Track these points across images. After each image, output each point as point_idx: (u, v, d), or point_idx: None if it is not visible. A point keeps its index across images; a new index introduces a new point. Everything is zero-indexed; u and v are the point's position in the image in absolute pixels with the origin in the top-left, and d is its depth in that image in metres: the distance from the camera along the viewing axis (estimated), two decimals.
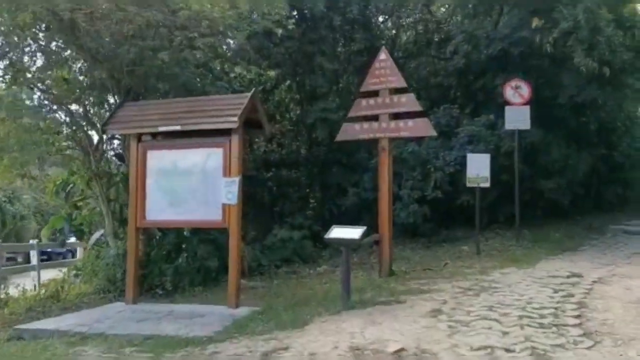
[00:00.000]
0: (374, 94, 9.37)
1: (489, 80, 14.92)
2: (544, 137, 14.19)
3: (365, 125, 9.36)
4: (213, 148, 7.72)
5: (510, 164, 13.06)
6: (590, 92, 13.65)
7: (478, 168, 10.71)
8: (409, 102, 9.06)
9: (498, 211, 14.15)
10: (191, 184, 7.79)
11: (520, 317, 5.78)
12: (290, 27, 10.85)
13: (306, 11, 13.07)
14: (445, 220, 13.88)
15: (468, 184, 11.00)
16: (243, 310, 7.20)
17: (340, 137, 9.65)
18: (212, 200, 7.65)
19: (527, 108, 11.72)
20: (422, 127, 8.96)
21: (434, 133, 9.02)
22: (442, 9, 18.53)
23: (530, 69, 14.12)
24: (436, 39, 16.96)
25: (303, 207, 14.22)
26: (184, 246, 9.90)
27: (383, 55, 9.38)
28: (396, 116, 9.25)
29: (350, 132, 9.55)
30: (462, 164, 13.11)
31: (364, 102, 9.43)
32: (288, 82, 15.97)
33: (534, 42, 13.33)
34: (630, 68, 15.05)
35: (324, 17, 13.26)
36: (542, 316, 5.78)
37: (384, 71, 9.25)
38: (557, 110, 14.72)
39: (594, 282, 7.60)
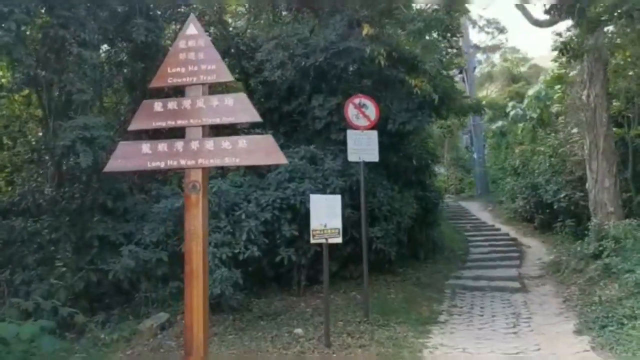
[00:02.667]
0: (176, 92, 5.48)
1: (304, 102, 11.95)
2: (368, 174, 11.60)
3: (162, 145, 5.33)
4: None
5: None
6: (423, 119, 11.46)
7: (326, 216, 7.35)
8: (239, 106, 5.31)
9: (319, 269, 11.05)
10: None
11: None
12: None
13: None
14: (256, 285, 10.27)
15: (313, 240, 7.54)
16: None
17: (112, 165, 5.43)
18: None
19: (375, 134, 8.85)
20: (267, 151, 5.25)
21: (285, 160, 5.38)
22: (234, 21, 15.28)
23: (355, 89, 11.48)
24: (232, 51, 13.47)
25: (45, 275, 9.33)
26: None
27: (193, 28, 5.51)
28: (215, 129, 5.50)
29: (132, 156, 5.41)
30: (282, 208, 9.78)
31: (157, 105, 5.42)
32: (27, 90, 11.03)
33: (364, 55, 10.71)
34: (447, 99, 13.46)
35: None
36: None
37: (195, 54, 5.41)
38: (382, 144, 12.36)
39: None
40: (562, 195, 15.91)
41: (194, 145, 5.26)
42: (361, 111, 8.79)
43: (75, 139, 8.82)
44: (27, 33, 8.73)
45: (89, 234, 9.73)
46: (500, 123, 22.78)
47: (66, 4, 8.70)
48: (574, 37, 9.86)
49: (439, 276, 12.78)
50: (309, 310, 9.28)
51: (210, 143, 5.25)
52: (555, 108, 17.40)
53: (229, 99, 5.32)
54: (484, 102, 25.98)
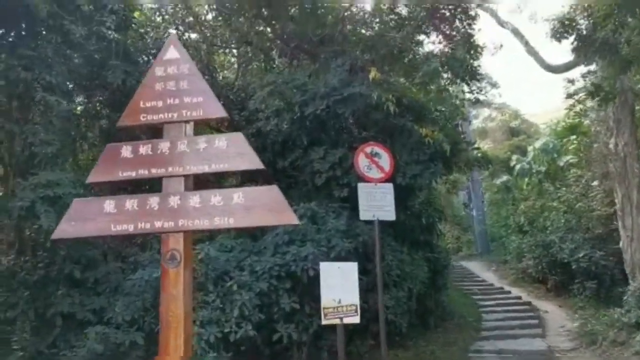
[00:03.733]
0: (152, 131, 4.25)
1: (301, 155, 10.76)
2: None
3: (131, 202, 4.02)
4: None
5: None
6: (436, 172, 10.27)
7: (340, 289, 5.97)
8: (235, 149, 4.05)
9: (321, 346, 9.55)
10: None
11: None
12: None
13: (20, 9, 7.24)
14: None
15: (325, 321, 6.12)
16: None
17: (64, 230, 4.07)
18: None
19: (391, 187, 7.57)
20: (272, 207, 3.92)
21: (296, 220, 4.07)
22: (221, 71, 14.22)
23: (359, 139, 10.34)
24: (221, 102, 12.32)
25: None
26: None
27: (173, 50, 4.31)
28: (199, 180, 4.25)
29: (90, 218, 4.08)
30: (280, 276, 8.36)
31: (126, 149, 4.16)
32: None
33: (369, 102, 9.61)
34: (456, 151, 12.31)
35: (54, 25, 7.64)
36: None
37: (176, 84, 4.21)
38: None
39: None
40: (580, 255, 14.61)
41: (174, 201, 3.95)
42: (373, 161, 7.54)
43: (35, 199, 7.49)
44: None
45: (52, 311, 8.21)
46: (505, 178, 21.69)
47: (31, 43, 7.50)
48: (599, 79, 8.86)
49: (455, 349, 11.28)
50: None
51: (195, 198, 3.95)
52: (567, 160, 16.38)
53: (220, 140, 4.05)
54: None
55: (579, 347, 10.67)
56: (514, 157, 21.23)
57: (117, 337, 7.50)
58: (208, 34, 11.98)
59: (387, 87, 9.70)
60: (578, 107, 12.80)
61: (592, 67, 11.25)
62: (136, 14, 9.96)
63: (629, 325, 9.64)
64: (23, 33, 7.51)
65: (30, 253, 8.98)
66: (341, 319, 6.01)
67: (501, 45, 12.44)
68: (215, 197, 3.93)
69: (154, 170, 4.02)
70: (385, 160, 7.59)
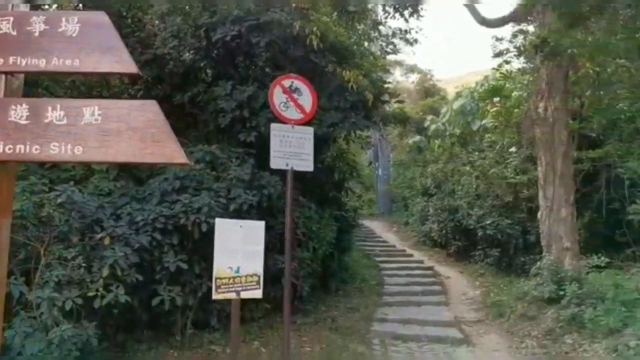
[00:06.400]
0: None
1: (204, 90, 9.21)
2: (282, 187, 9.08)
3: None
4: None
5: None
6: (358, 122, 9.12)
7: (240, 254, 4.65)
8: (93, 37, 2.55)
9: (210, 308, 8.26)
10: None
11: None
12: None
13: None
14: (120, 333, 7.25)
15: (216, 295, 4.75)
16: None
17: None
18: None
19: (311, 132, 6.26)
20: (147, 137, 2.49)
21: (185, 159, 2.66)
22: None
23: (272, 77, 8.93)
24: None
25: None
26: None
27: None
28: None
29: None
30: (166, 230, 6.92)
31: None
32: None
33: (288, 33, 8.19)
34: (379, 102, 11.25)
35: None
36: None
37: None
38: None
39: None
40: (488, 222, 14.25)
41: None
42: (292, 98, 6.16)
43: None
44: None
45: None
46: (417, 138, 21.13)
47: None
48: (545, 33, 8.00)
49: (358, 316, 10.40)
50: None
51: (20, 110, 2.47)
52: (481, 124, 15.87)
53: (70, 21, 2.56)
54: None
55: (485, 319, 10.14)
56: (429, 117, 20.63)
57: None
58: None
59: (311, 18, 8.31)
60: (504, 68, 12.10)
61: (528, 26, 10.56)
62: None
63: (541, 300, 9.16)
64: None
65: None
66: (238, 292, 4.71)
67: None
68: (55, 110, 2.45)
69: None
70: (307, 98, 6.22)
